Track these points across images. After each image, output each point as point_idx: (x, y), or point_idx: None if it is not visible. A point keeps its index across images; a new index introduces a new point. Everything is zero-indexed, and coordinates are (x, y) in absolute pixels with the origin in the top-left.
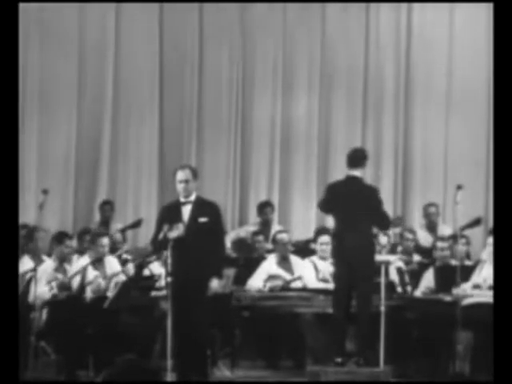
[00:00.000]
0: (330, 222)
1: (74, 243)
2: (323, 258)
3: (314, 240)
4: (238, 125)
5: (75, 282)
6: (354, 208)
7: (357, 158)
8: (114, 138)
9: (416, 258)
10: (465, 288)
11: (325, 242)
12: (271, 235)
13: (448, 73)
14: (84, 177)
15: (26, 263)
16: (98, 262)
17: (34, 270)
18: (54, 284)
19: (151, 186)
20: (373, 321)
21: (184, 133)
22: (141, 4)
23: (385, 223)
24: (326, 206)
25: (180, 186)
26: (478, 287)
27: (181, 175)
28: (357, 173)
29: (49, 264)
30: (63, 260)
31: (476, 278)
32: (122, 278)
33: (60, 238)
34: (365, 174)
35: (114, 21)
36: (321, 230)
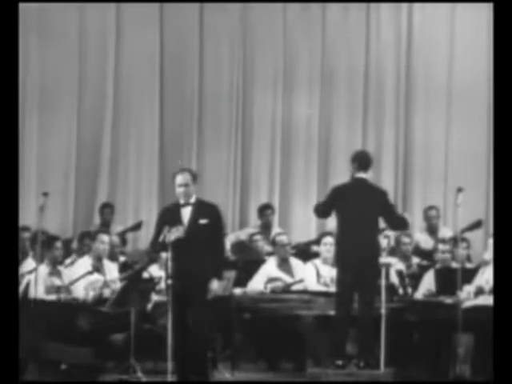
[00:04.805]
0: (330, 225)
1: (74, 245)
2: (326, 262)
3: (318, 242)
4: (239, 125)
5: (79, 287)
6: (361, 210)
7: (364, 160)
8: (115, 139)
9: (415, 260)
10: (469, 290)
11: (329, 243)
12: (271, 238)
13: (449, 73)
14: (84, 179)
15: (29, 266)
16: (98, 262)
17: (30, 272)
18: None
19: (151, 188)
20: (373, 323)
21: (184, 134)
22: (141, 4)
23: (404, 223)
24: (325, 207)
25: (179, 190)
26: (481, 289)
27: (180, 179)
28: (365, 175)
29: (42, 269)
30: (55, 263)
31: (479, 279)
32: (119, 284)
33: (49, 242)
34: (368, 176)
35: (114, 21)
36: (324, 233)
